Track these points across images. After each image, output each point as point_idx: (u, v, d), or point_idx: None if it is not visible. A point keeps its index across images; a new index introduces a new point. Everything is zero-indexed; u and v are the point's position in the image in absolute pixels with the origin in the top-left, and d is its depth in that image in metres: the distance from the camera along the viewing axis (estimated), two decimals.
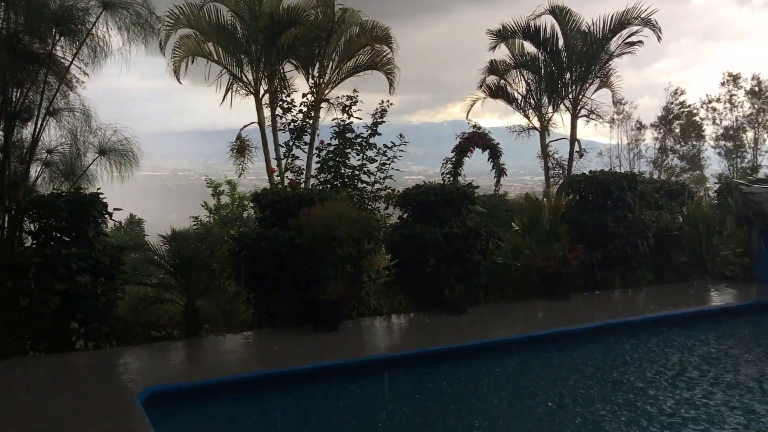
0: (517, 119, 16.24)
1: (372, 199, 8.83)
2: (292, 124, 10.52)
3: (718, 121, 33.16)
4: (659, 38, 13.97)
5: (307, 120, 10.91)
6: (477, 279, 8.25)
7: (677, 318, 7.92)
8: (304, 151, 10.98)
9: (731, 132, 32.77)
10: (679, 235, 10.11)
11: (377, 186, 8.81)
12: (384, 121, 8.68)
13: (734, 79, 32.42)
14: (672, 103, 34.13)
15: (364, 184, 8.76)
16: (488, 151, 12.94)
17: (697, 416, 5.16)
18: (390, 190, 8.76)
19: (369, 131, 8.66)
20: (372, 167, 8.63)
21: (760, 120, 32.03)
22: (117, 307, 7.09)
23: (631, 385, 5.98)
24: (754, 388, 5.80)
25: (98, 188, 7.41)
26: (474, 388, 6.08)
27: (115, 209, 7.23)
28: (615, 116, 34.06)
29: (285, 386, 5.77)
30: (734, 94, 32.46)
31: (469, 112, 15.34)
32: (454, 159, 12.35)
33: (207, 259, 7.58)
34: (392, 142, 9.08)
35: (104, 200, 7.10)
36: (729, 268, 10.05)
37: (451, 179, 11.95)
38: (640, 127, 34.82)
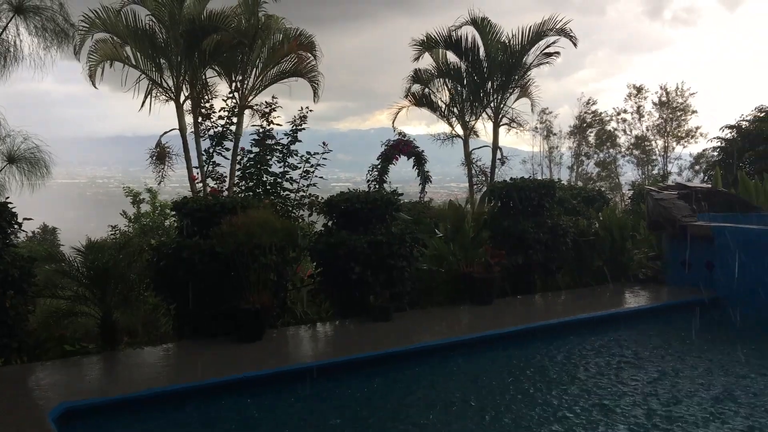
0: (444, 127, 16.55)
1: (296, 206, 8.77)
2: (212, 130, 10.34)
3: (628, 131, 34.66)
4: (575, 44, 14.52)
5: (228, 127, 10.75)
6: (402, 285, 8.32)
7: (594, 320, 8.21)
8: (227, 158, 10.81)
9: (641, 141, 34.30)
10: (596, 240, 10.47)
11: (301, 193, 8.77)
12: (304, 128, 8.65)
13: (638, 90, 33.95)
14: (585, 112, 35.49)
15: (287, 192, 8.69)
16: (413, 158, 13.11)
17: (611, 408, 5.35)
18: (314, 198, 8.74)
19: (289, 138, 8.60)
20: (295, 174, 8.58)
21: (668, 129, 33.67)
22: (28, 321, 6.76)
23: (551, 385, 6.13)
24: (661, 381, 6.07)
25: (7, 198, 7.06)
26: (397, 394, 6.09)
27: (25, 219, 6.90)
28: (537, 125, 35.21)
29: (204, 399, 5.63)
30: (641, 105, 33.98)
31: (394, 120, 15.53)
32: (379, 166, 12.44)
33: (125, 270, 7.32)
34: (316, 151, 9.05)
35: (13, 210, 6.77)
36: (642, 271, 10.48)
37: (377, 186, 12.03)
38: (558, 135, 36.07)
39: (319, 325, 7.97)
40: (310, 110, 8.79)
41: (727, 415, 5.34)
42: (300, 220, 8.89)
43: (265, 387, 5.96)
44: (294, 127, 8.67)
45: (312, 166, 8.72)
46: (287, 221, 8.11)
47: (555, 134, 36.24)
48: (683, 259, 9.87)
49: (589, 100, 35.71)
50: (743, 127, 19.59)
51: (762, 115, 19.59)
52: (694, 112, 33.02)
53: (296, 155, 8.71)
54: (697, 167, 29.66)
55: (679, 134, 33.19)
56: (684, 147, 33.43)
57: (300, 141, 8.64)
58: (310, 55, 13.67)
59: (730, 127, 20.11)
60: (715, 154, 21.10)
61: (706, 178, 22.29)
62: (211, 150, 10.14)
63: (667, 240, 10.28)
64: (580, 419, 5.28)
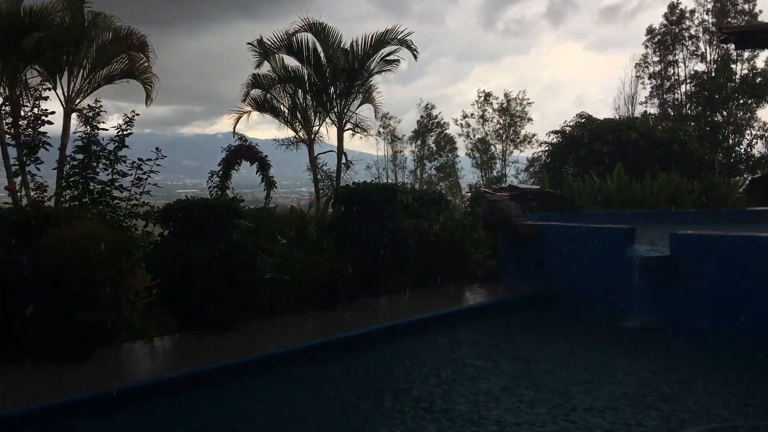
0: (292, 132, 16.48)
1: (128, 216, 8.27)
2: (22, 136, 9.48)
3: (471, 135, 36.50)
4: (415, 57, 15.07)
5: (40, 133, 9.92)
6: (245, 295, 8.09)
7: (436, 318, 8.49)
8: (38, 168, 9.90)
9: (483, 145, 36.26)
10: (437, 241, 10.82)
11: (133, 202, 8.28)
12: (131, 132, 8.18)
13: (486, 96, 35.94)
14: (424, 117, 36.94)
15: (117, 201, 8.18)
16: (257, 163, 12.89)
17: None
18: (149, 206, 8.29)
19: (116, 144, 8.10)
20: (126, 182, 8.09)
21: (508, 134, 35.88)
22: None
23: (398, 386, 6.25)
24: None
25: None
26: (243, 406, 5.92)
27: None
28: (381, 129, 36.05)
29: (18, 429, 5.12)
30: (485, 110, 35.97)
31: (235, 125, 15.23)
32: (220, 172, 12.11)
33: None
34: (150, 157, 8.59)
35: None
36: (480, 270, 10.98)
37: (219, 193, 11.69)
38: (401, 140, 37.21)
39: (157, 340, 7.56)
40: (137, 114, 8.34)
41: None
42: (134, 230, 8.39)
43: (91, 410, 5.52)
44: (120, 132, 8.16)
45: (145, 173, 8.27)
46: (117, 231, 7.62)
47: (399, 139, 37.35)
48: (516, 257, 10.46)
49: (428, 105, 37.19)
50: (567, 132, 21.21)
51: (583, 120, 21.32)
52: (530, 119, 35.48)
53: (125, 162, 8.21)
54: (531, 170, 31.72)
55: (517, 139, 35.47)
56: (521, 151, 35.77)
57: (127, 146, 8.16)
58: (143, 55, 13.03)
59: (556, 132, 21.70)
60: (544, 157, 22.69)
61: (534, 180, 23.93)
62: (24, 157, 9.27)
63: (502, 239, 10.86)
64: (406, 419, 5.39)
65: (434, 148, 37.14)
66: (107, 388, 5.74)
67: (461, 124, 36.39)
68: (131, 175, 8.28)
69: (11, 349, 6.70)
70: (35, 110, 10.94)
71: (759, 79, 27.62)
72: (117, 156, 8.13)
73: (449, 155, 37.08)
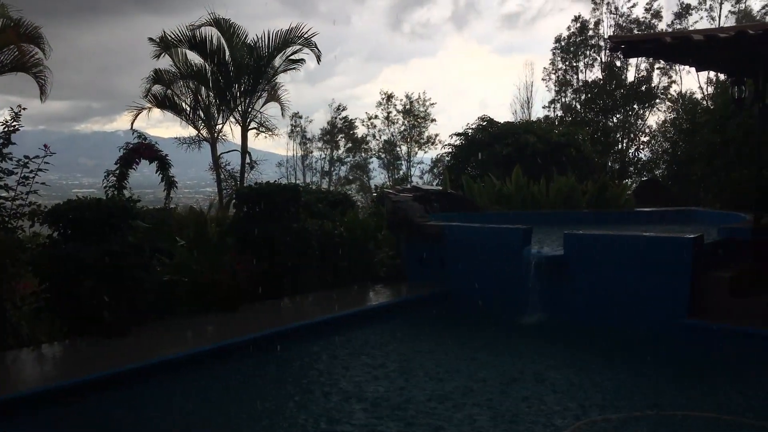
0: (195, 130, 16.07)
1: (13, 216, 7.82)
2: None
3: (378, 136, 36.84)
4: (318, 58, 15.04)
5: None
6: (140, 297, 7.83)
7: (336, 320, 8.53)
8: None
9: (389, 146, 36.69)
10: (341, 241, 10.84)
11: (18, 202, 7.84)
12: (17, 128, 7.73)
13: (389, 98, 36.34)
14: (335, 118, 36.99)
15: (2, 200, 7.72)
16: (156, 162, 12.47)
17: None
18: (36, 206, 7.87)
19: (1, 141, 7.63)
20: (11, 180, 7.63)
21: (412, 135, 36.43)
22: None
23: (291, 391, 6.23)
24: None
25: None
26: (135, 414, 5.75)
27: None
28: (291, 129, 35.79)
29: None
30: (390, 112, 36.39)
31: (133, 121, 14.70)
32: (117, 171, 11.64)
33: None
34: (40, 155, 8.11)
35: None
36: (384, 270, 11.09)
37: (115, 193, 11.24)
38: (312, 139, 37.11)
39: (45, 347, 7.20)
40: (24, 108, 7.87)
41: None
42: (20, 231, 7.94)
43: None
44: (5, 128, 7.69)
45: (32, 171, 7.84)
46: (1, 233, 7.19)
47: (309, 139, 37.18)
48: (419, 257, 10.63)
49: (339, 106, 37.21)
50: (469, 134, 21.76)
51: (484, 123, 21.93)
52: (433, 120, 36.15)
53: (11, 159, 7.75)
54: (435, 170, 32.28)
55: (421, 140, 36.07)
56: (425, 152, 36.38)
57: (14, 143, 7.71)
58: (35, 48, 12.36)
59: (458, 134, 22.23)
60: (447, 159, 23.18)
61: (438, 181, 24.43)
62: None
63: (405, 239, 11.01)
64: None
65: (343, 150, 37.21)
66: None
67: (368, 125, 36.68)
68: (17, 173, 7.83)
69: None
70: None
71: (644, 86, 29.29)
72: (2, 153, 7.67)
73: (361, 155, 37.25)
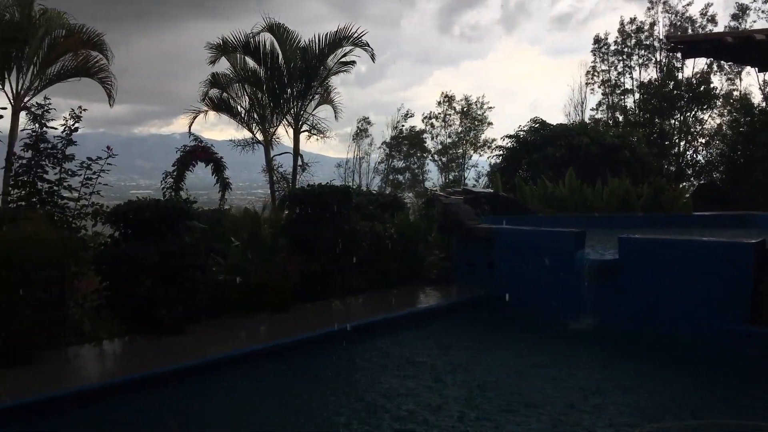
0: (248, 133, 16.35)
1: (77, 216, 8.11)
2: None
3: (435, 138, 36.67)
4: (373, 57, 15.09)
5: None
6: (197, 297, 8.02)
7: (388, 321, 8.57)
8: None
9: (446, 148, 36.48)
10: (391, 243, 10.88)
11: (82, 202, 8.13)
12: (78, 128, 8.01)
13: (449, 99, 36.18)
14: (401, 124, 36.70)
15: (66, 201, 8.01)
16: (212, 164, 12.76)
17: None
18: (98, 207, 8.14)
19: (63, 142, 7.93)
20: (74, 182, 7.92)
21: (468, 137, 36.17)
22: None
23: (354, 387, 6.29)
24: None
25: None
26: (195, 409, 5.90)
27: None
28: (357, 131, 35.77)
29: None
30: (449, 114, 36.18)
31: (191, 124, 15.05)
32: (174, 173, 11.96)
33: None
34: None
35: None
36: (434, 272, 11.08)
37: (173, 194, 11.54)
38: (371, 143, 37.02)
39: (106, 343, 7.45)
40: (85, 109, 8.16)
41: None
42: (83, 231, 8.23)
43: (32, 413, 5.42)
44: (66, 130, 7.99)
45: (94, 172, 8.13)
46: (62, 232, 7.46)
47: (369, 144, 37.15)
48: (469, 260, 10.58)
49: (407, 112, 36.92)
50: (521, 136, 21.55)
51: (537, 126, 21.68)
52: (490, 123, 35.84)
53: (73, 160, 8.04)
54: (490, 174, 31.99)
55: (477, 143, 35.79)
56: (480, 156, 36.04)
57: (75, 143, 7.99)
58: (99, 54, 12.80)
59: (510, 136, 22.04)
60: (499, 161, 23.00)
61: (489, 184, 24.24)
62: None
63: (455, 242, 10.98)
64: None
65: (406, 151, 36.87)
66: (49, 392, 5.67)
67: (427, 125, 36.45)
68: (80, 174, 8.11)
69: None
70: None
71: (703, 86, 28.47)
72: (64, 154, 7.96)
73: (420, 155, 36.96)
